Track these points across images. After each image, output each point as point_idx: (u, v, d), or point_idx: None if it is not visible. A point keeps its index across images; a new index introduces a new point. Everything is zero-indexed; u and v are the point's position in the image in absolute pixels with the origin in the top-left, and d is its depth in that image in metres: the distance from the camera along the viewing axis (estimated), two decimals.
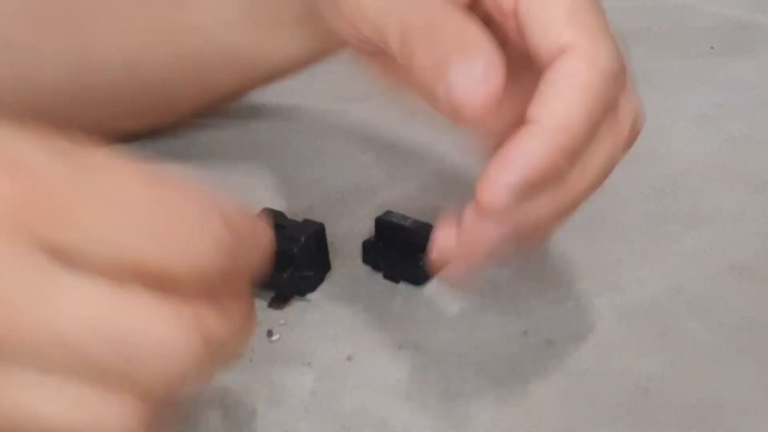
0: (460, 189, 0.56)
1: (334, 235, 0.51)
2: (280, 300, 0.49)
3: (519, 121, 0.37)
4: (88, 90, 0.55)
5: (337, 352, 0.47)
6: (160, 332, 0.30)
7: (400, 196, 0.55)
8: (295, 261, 0.49)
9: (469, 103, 0.35)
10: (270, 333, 0.48)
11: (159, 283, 0.30)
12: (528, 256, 0.49)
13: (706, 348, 0.46)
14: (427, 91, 0.37)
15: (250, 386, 0.45)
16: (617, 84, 0.38)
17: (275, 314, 0.49)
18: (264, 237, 0.34)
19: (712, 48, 0.66)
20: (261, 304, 0.49)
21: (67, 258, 0.30)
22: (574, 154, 0.37)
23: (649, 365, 0.45)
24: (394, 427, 0.43)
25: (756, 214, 0.53)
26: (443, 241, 0.39)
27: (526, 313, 0.48)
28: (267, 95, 0.64)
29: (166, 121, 0.59)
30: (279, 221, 0.50)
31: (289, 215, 0.51)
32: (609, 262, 0.51)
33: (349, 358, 0.46)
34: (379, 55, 0.40)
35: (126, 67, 0.55)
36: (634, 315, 0.48)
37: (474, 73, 0.35)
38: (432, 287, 0.50)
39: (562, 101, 0.37)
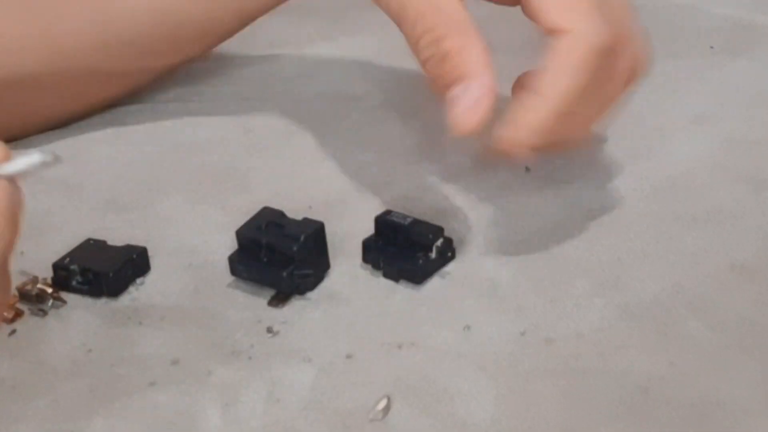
0: (459, 189, 0.56)
1: (333, 234, 0.51)
2: (279, 298, 0.49)
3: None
4: (115, 36, 0.59)
5: (337, 351, 0.47)
6: None
7: (400, 196, 0.55)
8: (294, 260, 0.49)
9: (464, 120, 0.47)
10: (270, 331, 0.48)
11: None
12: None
13: (706, 347, 0.46)
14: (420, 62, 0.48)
15: (249, 383, 0.45)
16: (608, 53, 0.47)
17: (275, 312, 0.49)
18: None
19: (711, 48, 0.66)
20: (260, 302, 0.49)
21: None
22: (570, 112, 0.47)
23: (649, 364, 0.45)
24: (392, 426, 0.43)
25: (756, 214, 0.53)
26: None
27: (526, 312, 0.48)
28: (266, 94, 0.64)
29: (187, 56, 0.63)
30: (278, 220, 0.50)
31: (289, 214, 0.51)
32: (609, 261, 0.51)
33: (349, 357, 0.46)
34: None
35: (150, 11, 0.59)
36: (634, 314, 0.48)
37: (471, 96, 0.46)
38: (431, 286, 0.50)
39: (556, 75, 0.47)
